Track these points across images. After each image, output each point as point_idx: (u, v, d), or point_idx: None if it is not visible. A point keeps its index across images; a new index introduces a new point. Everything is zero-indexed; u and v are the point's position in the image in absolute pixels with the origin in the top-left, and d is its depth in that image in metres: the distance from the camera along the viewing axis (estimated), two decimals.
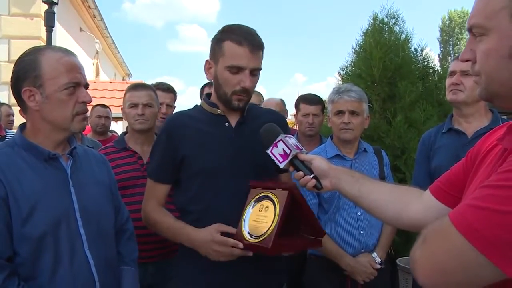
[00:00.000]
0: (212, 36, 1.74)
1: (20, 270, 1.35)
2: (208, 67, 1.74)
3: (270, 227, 1.42)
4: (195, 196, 1.69)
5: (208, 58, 1.75)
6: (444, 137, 2.32)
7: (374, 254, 2.26)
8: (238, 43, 1.63)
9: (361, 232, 2.26)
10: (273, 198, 1.47)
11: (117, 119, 8.54)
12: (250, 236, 1.47)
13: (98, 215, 1.54)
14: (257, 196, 1.54)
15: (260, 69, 1.70)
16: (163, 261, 2.42)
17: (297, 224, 1.48)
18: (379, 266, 2.24)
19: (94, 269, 1.46)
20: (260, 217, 1.48)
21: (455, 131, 2.29)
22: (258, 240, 1.43)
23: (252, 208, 1.53)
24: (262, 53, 1.70)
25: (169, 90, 3.03)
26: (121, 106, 2.66)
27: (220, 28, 1.73)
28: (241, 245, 1.50)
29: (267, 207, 1.48)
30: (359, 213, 2.26)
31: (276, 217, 1.42)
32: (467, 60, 0.94)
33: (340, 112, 2.30)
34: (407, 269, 2.78)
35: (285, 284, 1.86)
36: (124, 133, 2.64)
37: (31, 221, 1.35)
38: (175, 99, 3.13)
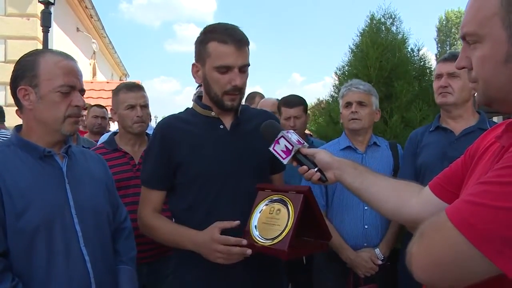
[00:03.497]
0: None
1: (14, 266, 1.36)
2: (195, 70, 1.71)
3: (284, 230, 1.41)
4: (194, 201, 1.67)
5: (194, 61, 1.71)
6: (431, 135, 2.35)
7: (377, 250, 2.27)
8: (222, 42, 1.59)
9: (366, 226, 2.28)
10: (286, 201, 1.47)
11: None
12: (261, 238, 1.46)
13: (94, 211, 1.55)
14: (267, 199, 1.53)
15: (249, 64, 1.67)
16: (157, 261, 2.42)
17: (306, 227, 1.47)
18: (380, 262, 2.25)
19: (89, 265, 1.47)
20: (271, 220, 1.47)
21: (443, 129, 2.32)
22: (272, 243, 1.42)
23: (261, 210, 1.52)
24: (248, 48, 1.67)
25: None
26: None
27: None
28: (244, 241, 1.48)
29: (278, 209, 1.47)
30: (365, 208, 2.28)
31: (291, 220, 1.41)
32: (463, 68, 0.95)
33: (348, 104, 2.38)
34: None
35: (284, 286, 1.86)
36: (114, 134, 2.62)
37: (25, 216, 1.37)
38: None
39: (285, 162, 1.47)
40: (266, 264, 1.70)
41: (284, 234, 1.41)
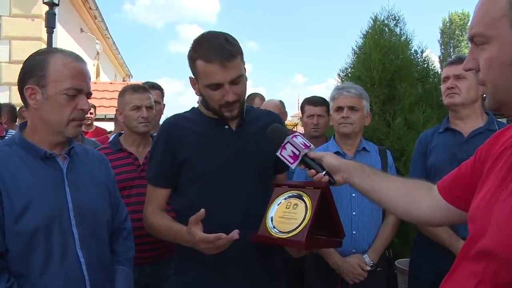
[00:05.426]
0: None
1: (11, 267, 1.36)
2: (193, 83, 1.72)
3: (302, 223, 1.43)
4: (197, 199, 1.67)
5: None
6: (440, 137, 2.35)
7: (365, 256, 2.24)
8: (207, 61, 1.57)
9: (354, 232, 2.25)
10: (304, 196, 1.48)
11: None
12: (277, 231, 1.47)
13: (93, 214, 1.54)
14: (285, 194, 1.54)
15: (241, 75, 1.64)
16: (159, 261, 2.43)
17: (320, 224, 1.49)
18: (369, 268, 2.22)
19: (84, 268, 1.47)
20: (288, 214, 1.48)
21: (452, 131, 2.32)
22: (289, 235, 1.43)
23: (278, 205, 1.53)
24: (241, 56, 1.63)
25: (154, 87, 3.05)
26: None
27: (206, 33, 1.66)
28: (223, 235, 1.45)
29: (295, 204, 1.48)
30: (353, 213, 2.27)
31: (309, 213, 1.43)
32: (470, 69, 0.95)
33: (339, 108, 2.36)
34: (406, 271, 2.78)
35: (284, 287, 1.86)
36: (119, 134, 2.64)
37: (24, 218, 1.36)
38: (163, 95, 3.16)
39: (293, 167, 1.48)
40: (266, 264, 1.70)
41: (301, 227, 1.42)
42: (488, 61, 0.89)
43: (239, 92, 1.65)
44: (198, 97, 1.82)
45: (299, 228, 1.42)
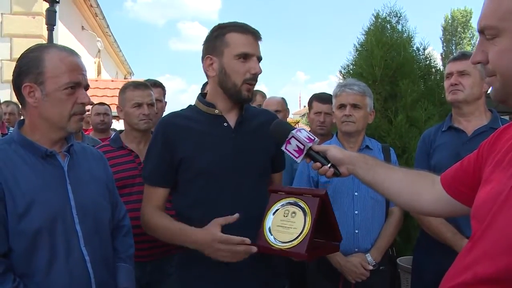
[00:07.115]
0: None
1: (15, 267, 1.35)
2: (209, 63, 1.69)
3: (301, 233, 1.42)
4: (197, 198, 1.66)
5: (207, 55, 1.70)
6: (444, 135, 2.32)
7: (368, 255, 2.22)
8: (242, 32, 1.66)
9: (356, 231, 2.24)
10: (302, 204, 1.47)
11: (119, 117, 8.54)
12: (277, 242, 1.46)
13: (95, 212, 1.53)
14: (281, 201, 1.53)
15: (262, 58, 1.72)
16: (160, 259, 2.42)
17: (318, 229, 1.48)
18: (371, 268, 2.20)
19: (90, 265, 1.46)
20: (286, 223, 1.47)
21: (455, 129, 2.29)
22: (289, 246, 1.43)
23: (274, 213, 1.52)
24: None
25: (156, 85, 3.02)
26: None
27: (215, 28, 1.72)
28: (248, 240, 1.48)
29: (294, 212, 1.47)
30: (356, 212, 2.25)
31: (308, 223, 1.43)
32: (479, 62, 0.95)
33: (342, 106, 2.32)
34: (407, 269, 2.76)
35: (286, 286, 1.85)
36: (120, 132, 2.63)
37: (27, 217, 1.35)
38: (164, 93, 3.14)
39: (298, 160, 1.49)
40: (268, 262, 1.69)
41: (301, 237, 1.41)
42: (500, 53, 0.89)
43: (259, 72, 1.69)
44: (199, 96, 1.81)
45: (299, 239, 1.42)
